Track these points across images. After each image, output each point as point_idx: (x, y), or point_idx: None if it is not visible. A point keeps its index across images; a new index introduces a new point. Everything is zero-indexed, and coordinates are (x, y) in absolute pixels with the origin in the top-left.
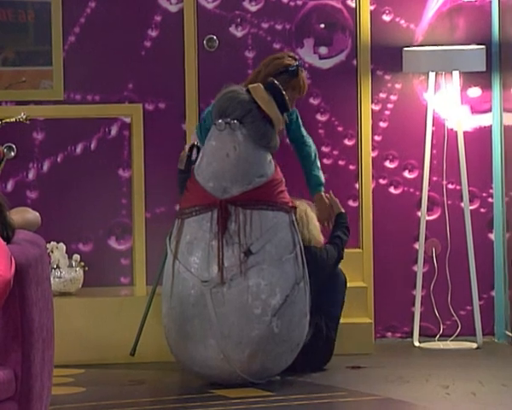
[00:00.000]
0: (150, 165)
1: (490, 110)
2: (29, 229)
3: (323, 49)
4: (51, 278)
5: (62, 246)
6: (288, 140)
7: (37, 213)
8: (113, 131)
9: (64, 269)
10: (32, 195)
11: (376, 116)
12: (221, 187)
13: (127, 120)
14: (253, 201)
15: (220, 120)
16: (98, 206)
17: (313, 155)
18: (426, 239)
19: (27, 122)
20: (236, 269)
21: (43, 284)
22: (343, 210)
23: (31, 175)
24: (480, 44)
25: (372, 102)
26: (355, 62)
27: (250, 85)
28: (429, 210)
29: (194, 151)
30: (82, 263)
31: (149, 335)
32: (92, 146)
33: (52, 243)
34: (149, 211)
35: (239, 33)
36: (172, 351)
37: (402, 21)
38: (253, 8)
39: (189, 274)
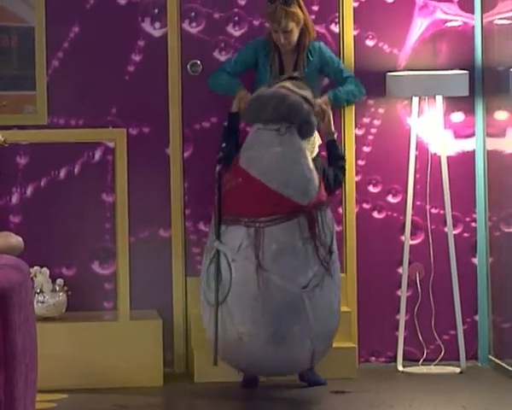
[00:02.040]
0: (134, 189)
1: (473, 135)
2: (12, 253)
3: None
4: (34, 303)
5: (46, 270)
6: None
7: (20, 238)
8: (97, 155)
9: (47, 294)
10: (15, 219)
11: (360, 141)
12: (300, 192)
13: (111, 144)
14: (320, 202)
15: (282, 126)
16: (82, 230)
17: (352, 86)
18: (409, 263)
19: (6, 145)
20: (324, 270)
21: (26, 308)
22: (335, 133)
23: (14, 199)
24: (463, 69)
25: (356, 126)
26: None
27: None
28: (413, 234)
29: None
30: (65, 288)
31: (132, 360)
32: (76, 171)
33: (35, 267)
34: (133, 235)
35: (223, 58)
36: (246, 357)
37: (385, 46)
38: (237, 32)
39: (283, 282)
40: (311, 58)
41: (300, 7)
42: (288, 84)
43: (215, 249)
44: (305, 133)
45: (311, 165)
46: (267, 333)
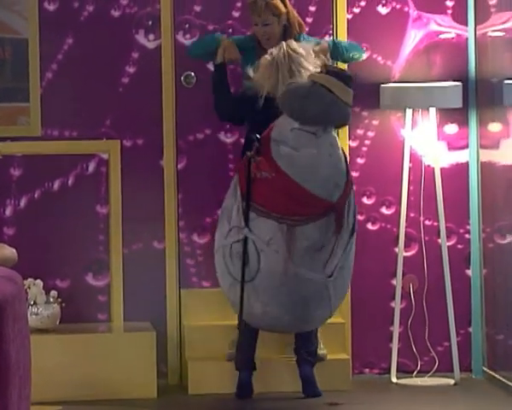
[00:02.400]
0: (128, 201)
1: (466, 147)
2: (6, 265)
3: None
4: (28, 315)
5: (39, 282)
6: None
7: (14, 250)
8: (91, 167)
9: (41, 305)
10: (9, 231)
11: (354, 152)
12: (329, 190)
13: (105, 156)
14: (349, 190)
15: (320, 129)
16: (75, 242)
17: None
18: (403, 275)
19: (0, 157)
20: (345, 251)
21: (20, 320)
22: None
23: (8, 211)
24: (457, 81)
25: (349, 138)
26: None
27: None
28: (407, 246)
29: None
30: (59, 299)
31: (126, 372)
32: (70, 182)
33: (29, 279)
34: (127, 247)
35: None
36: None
37: (379, 58)
38: None
39: (311, 274)
40: None
41: (283, 1)
42: (333, 82)
43: (243, 236)
44: (338, 128)
45: (341, 152)
46: (291, 317)
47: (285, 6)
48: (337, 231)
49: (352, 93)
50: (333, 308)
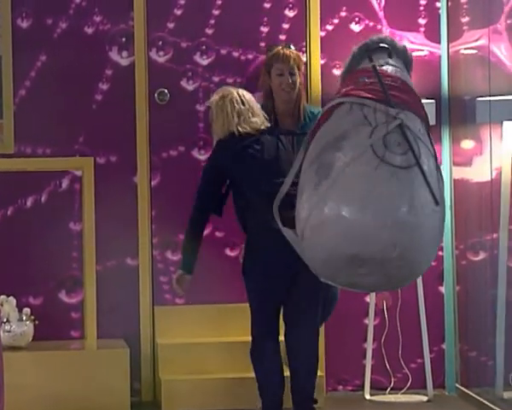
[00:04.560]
0: (101, 218)
1: (440, 164)
2: None
3: None
4: (1, 332)
5: (12, 299)
6: None
7: None
8: (64, 184)
9: (14, 323)
10: None
11: None
12: None
13: (78, 173)
14: None
15: None
16: (49, 259)
17: None
18: (377, 292)
19: None
20: None
21: None
22: None
23: None
24: (430, 99)
25: None
26: None
27: None
28: None
29: None
30: (32, 317)
31: (99, 389)
32: (43, 199)
33: (2, 296)
34: (100, 264)
35: (190, 87)
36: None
37: None
38: (204, 61)
39: None
40: (307, 120)
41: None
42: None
43: (399, 120)
44: None
45: None
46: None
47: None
48: None
49: None
50: None
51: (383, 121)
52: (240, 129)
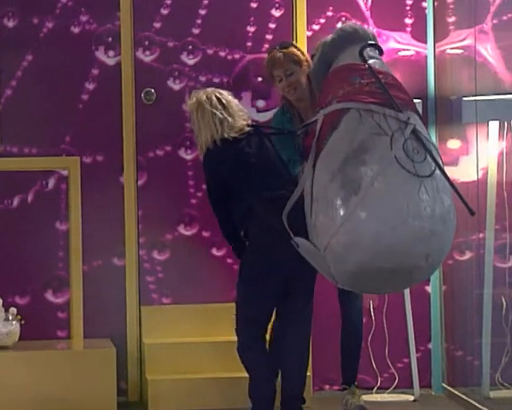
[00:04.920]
0: (88, 218)
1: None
2: None
3: (261, 103)
4: None
5: None
6: None
7: None
8: (51, 183)
9: (0, 322)
10: None
11: None
12: None
13: (64, 172)
14: None
15: None
16: (35, 259)
17: None
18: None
19: None
20: None
21: None
22: None
23: None
24: (416, 98)
25: None
26: None
27: None
28: None
29: None
30: (19, 316)
31: (86, 388)
32: (29, 199)
33: None
34: (86, 264)
35: (177, 86)
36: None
37: None
38: (191, 61)
39: None
40: None
41: (300, 50)
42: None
43: (411, 125)
44: None
45: None
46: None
47: (303, 54)
48: None
49: None
50: None
51: (396, 128)
52: (225, 136)
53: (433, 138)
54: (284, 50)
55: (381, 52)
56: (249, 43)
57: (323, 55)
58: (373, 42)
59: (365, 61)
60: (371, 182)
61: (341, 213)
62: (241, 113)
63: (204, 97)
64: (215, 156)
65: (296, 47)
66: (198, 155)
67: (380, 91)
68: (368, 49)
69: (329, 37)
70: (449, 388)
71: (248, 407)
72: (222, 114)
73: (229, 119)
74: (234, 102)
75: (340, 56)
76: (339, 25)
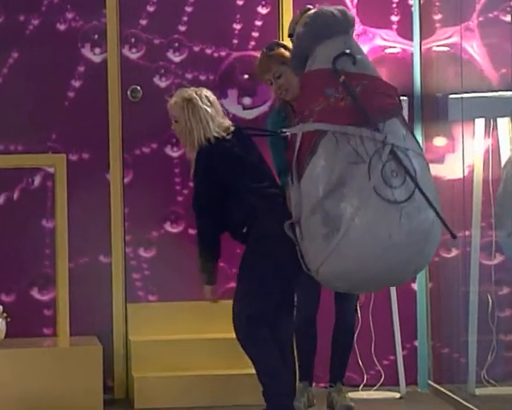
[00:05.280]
0: (74, 215)
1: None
2: None
3: (247, 100)
4: None
5: None
6: None
7: None
8: (37, 181)
9: None
10: None
11: None
12: None
13: (51, 170)
14: None
15: None
16: (21, 256)
17: None
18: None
19: None
20: None
21: None
22: None
23: None
24: (402, 96)
25: None
26: None
27: None
28: None
29: None
30: (5, 314)
31: (72, 386)
32: (15, 196)
33: None
34: (73, 261)
35: (163, 84)
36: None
37: None
38: (177, 58)
39: None
40: None
41: (288, 49)
42: None
43: (389, 146)
44: None
45: None
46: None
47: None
48: None
49: None
50: None
51: (374, 151)
52: (216, 134)
53: (419, 136)
54: (271, 53)
55: (354, 61)
56: (235, 41)
57: (299, 50)
58: (347, 51)
59: (339, 76)
60: (352, 217)
61: (325, 247)
62: (223, 113)
63: (194, 94)
64: (211, 153)
65: (284, 46)
66: (185, 153)
67: (354, 105)
68: (342, 58)
69: (305, 25)
70: (435, 385)
71: (235, 405)
72: (212, 111)
73: (218, 117)
74: (217, 101)
75: (317, 49)
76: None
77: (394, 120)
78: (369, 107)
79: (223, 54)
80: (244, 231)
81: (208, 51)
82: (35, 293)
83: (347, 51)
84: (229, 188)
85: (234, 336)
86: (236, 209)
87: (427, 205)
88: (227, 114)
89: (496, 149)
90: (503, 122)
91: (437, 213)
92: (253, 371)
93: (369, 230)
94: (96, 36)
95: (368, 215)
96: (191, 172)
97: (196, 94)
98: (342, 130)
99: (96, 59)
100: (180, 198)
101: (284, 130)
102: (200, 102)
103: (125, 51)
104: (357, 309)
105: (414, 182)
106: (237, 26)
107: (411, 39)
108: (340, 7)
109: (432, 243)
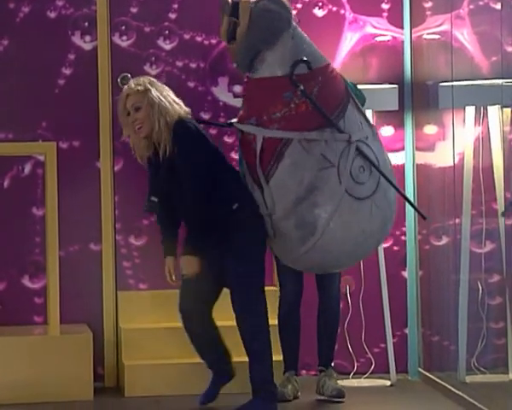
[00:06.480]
0: (64, 203)
1: (402, 149)
2: None
3: (237, 88)
4: None
5: None
6: None
7: None
8: (27, 169)
9: None
10: None
11: None
12: None
13: (41, 158)
14: None
15: None
16: (11, 244)
17: None
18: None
19: None
20: None
21: None
22: None
23: None
24: (393, 84)
25: None
26: None
27: None
28: None
29: None
30: None
31: (62, 374)
32: (5, 184)
33: None
34: (63, 249)
35: (153, 71)
36: None
37: None
38: (168, 46)
39: None
40: None
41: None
42: None
43: (354, 144)
44: None
45: None
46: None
47: None
48: None
49: None
50: None
51: (340, 152)
52: (183, 113)
53: (410, 124)
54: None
55: (309, 66)
56: None
57: (250, 46)
58: (304, 58)
59: (297, 86)
60: (327, 223)
61: (299, 247)
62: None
63: (151, 79)
64: (192, 122)
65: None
66: (133, 143)
67: (313, 108)
68: (299, 65)
69: (254, 21)
70: (425, 373)
71: (226, 393)
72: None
73: (177, 102)
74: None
75: (266, 53)
76: (315, 10)
77: (349, 107)
78: (328, 107)
79: (213, 42)
80: (234, 207)
81: (199, 39)
82: (26, 281)
83: (304, 59)
84: (217, 159)
85: (225, 323)
86: (228, 179)
87: (389, 184)
88: (217, 101)
89: (486, 137)
90: (493, 110)
91: (404, 197)
92: (244, 359)
93: (343, 231)
94: (87, 23)
95: (342, 218)
96: (160, 155)
97: (152, 80)
98: (307, 136)
99: (87, 47)
100: None
101: (237, 124)
102: (161, 84)
103: (116, 39)
104: (340, 291)
105: (379, 171)
106: None
107: (402, 27)
108: None
109: (394, 213)
